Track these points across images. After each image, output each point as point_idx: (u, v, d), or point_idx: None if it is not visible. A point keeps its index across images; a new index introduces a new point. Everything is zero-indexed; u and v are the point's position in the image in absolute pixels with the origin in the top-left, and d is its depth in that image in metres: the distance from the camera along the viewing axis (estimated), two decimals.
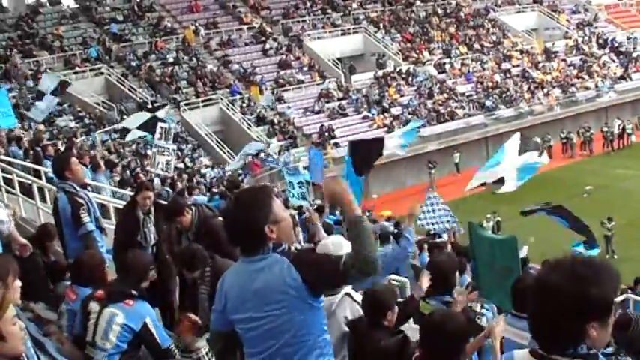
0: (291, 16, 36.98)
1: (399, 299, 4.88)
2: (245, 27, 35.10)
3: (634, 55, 41.00)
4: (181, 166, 22.79)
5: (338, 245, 3.93)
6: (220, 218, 5.83)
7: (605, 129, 34.45)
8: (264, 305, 2.90)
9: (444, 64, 37.01)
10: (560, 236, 13.16)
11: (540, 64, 38.96)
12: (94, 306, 4.28)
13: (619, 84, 38.58)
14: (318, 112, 31.94)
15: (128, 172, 18.32)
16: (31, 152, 14.02)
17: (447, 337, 3.37)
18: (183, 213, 6.06)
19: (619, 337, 4.14)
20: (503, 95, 35.64)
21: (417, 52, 37.29)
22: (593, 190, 26.01)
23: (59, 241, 6.21)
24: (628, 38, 42.56)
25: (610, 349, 4.11)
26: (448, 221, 13.34)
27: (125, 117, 25.66)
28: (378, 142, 11.11)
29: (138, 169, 18.93)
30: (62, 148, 15.77)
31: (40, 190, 10.63)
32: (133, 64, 30.65)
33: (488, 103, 34.84)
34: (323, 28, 36.99)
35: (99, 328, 4.21)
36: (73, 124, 24.00)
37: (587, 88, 37.77)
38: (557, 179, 27.77)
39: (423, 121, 29.56)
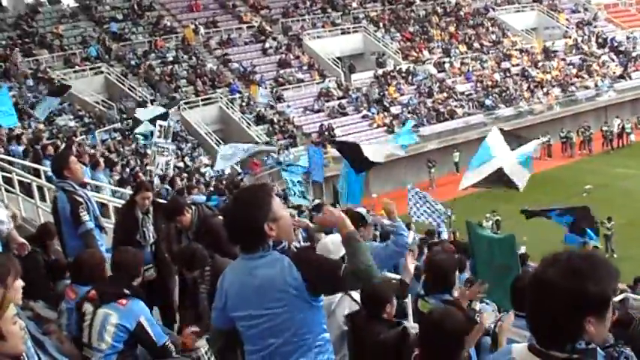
0: (290, 15, 36.95)
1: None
2: (245, 26, 35.07)
3: (633, 54, 40.96)
4: (181, 164, 22.78)
5: (337, 244, 3.90)
6: (220, 217, 5.83)
7: (604, 128, 34.46)
8: (264, 303, 2.91)
9: (444, 63, 36.98)
10: (560, 236, 13.15)
11: (540, 64, 38.91)
12: (88, 307, 4.27)
13: (618, 83, 38.56)
14: (318, 111, 31.92)
15: (128, 170, 18.34)
16: (31, 151, 14.03)
17: (445, 335, 3.37)
18: (183, 212, 6.05)
19: (620, 335, 4.15)
20: (503, 94, 35.62)
21: (417, 51, 37.26)
22: (592, 189, 25.97)
23: (58, 240, 6.21)
24: (627, 37, 42.52)
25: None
26: (439, 216, 13.37)
27: (125, 116, 25.77)
28: (355, 145, 11.12)
29: (137, 168, 18.94)
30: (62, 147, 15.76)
31: (40, 189, 10.60)
32: (133, 63, 30.62)
33: (487, 102, 34.82)
34: (323, 27, 36.94)
35: (94, 330, 4.20)
36: (72, 123, 23.94)
37: (587, 88, 37.74)
38: (557, 178, 27.82)
39: (414, 121, 29.48)
